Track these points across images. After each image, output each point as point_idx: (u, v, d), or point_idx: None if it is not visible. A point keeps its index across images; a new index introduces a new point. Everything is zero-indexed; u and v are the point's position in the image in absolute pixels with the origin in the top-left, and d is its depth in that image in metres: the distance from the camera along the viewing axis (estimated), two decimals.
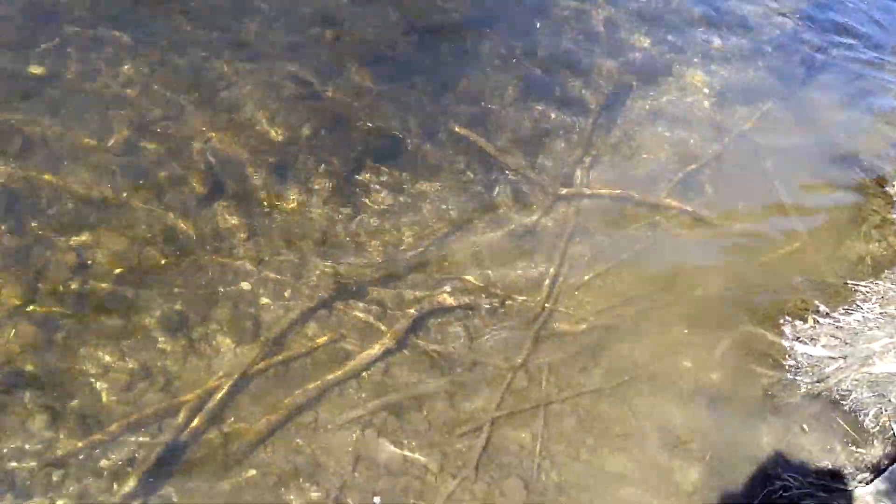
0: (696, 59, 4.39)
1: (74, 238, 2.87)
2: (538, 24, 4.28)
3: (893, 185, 3.98)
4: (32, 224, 2.84)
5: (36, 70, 3.20)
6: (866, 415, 2.94)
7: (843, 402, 2.99)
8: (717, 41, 4.55)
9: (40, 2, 3.42)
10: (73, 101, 3.18)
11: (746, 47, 4.56)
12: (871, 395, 2.95)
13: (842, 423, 2.94)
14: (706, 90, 4.27)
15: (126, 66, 3.34)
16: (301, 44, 3.74)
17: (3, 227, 2.81)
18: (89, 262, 2.82)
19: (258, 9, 3.76)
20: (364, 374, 2.81)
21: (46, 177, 2.96)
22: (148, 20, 3.52)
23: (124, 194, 3.04)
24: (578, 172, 3.72)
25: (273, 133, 3.38)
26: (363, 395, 2.74)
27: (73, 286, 2.76)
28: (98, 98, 3.23)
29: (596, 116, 3.96)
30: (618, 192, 3.69)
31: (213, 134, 3.31)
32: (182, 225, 3.03)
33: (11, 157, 2.98)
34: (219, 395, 2.62)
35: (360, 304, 3.00)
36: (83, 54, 3.32)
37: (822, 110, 4.35)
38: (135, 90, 3.30)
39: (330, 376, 2.74)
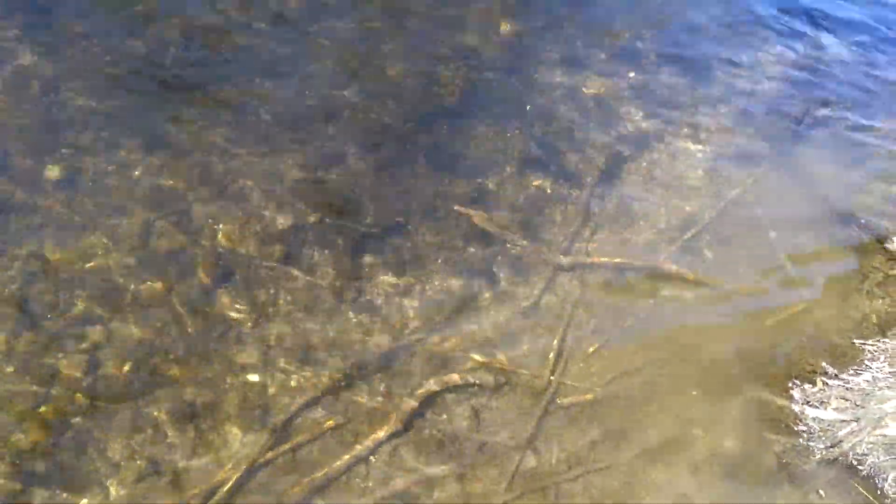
0: (686, 128, 4.52)
1: (86, 332, 2.95)
2: (530, 104, 4.44)
3: (893, 242, 4.01)
4: (45, 322, 2.93)
5: (52, 173, 3.36)
6: (885, 479, 2.88)
7: (860, 467, 2.93)
8: (706, 109, 4.69)
9: (57, 113, 3.62)
10: (87, 202, 3.33)
11: (735, 114, 4.69)
12: (888, 458, 2.90)
13: (861, 489, 2.88)
14: (699, 156, 4.38)
15: (138, 168, 3.50)
16: (305, 136, 3.90)
17: (17, 327, 2.89)
18: (100, 358, 2.89)
19: (263, 106, 3.94)
20: (371, 458, 2.81)
21: (60, 275, 3.07)
22: (158, 123, 3.70)
23: (133, 286, 3.13)
24: (578, 243, 3.80)
25: (279, 222, 3.49)
26: (370, 484, 2.73)
27: (85, 383, 2.82)
28: (111, 198, 3.37)
29: (592, 188, 4.06)
30: (618, 260, 3.74)
31: (222, 225, 3.43)
32: (191, 316, 3.11)
33: (27, 257, 3.09)
34: (226, 487, 2.63)
35: (366, 387, 3.03)
36: (97, 157, 3.49)
37: (815, 171, 4.43)
38: (145, 189, 3.44)
39: (337, 463, 2.75)
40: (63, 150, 3.49)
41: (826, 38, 5.60)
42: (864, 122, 4.79)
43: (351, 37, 4.48)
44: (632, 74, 4.79)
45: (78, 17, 4.00)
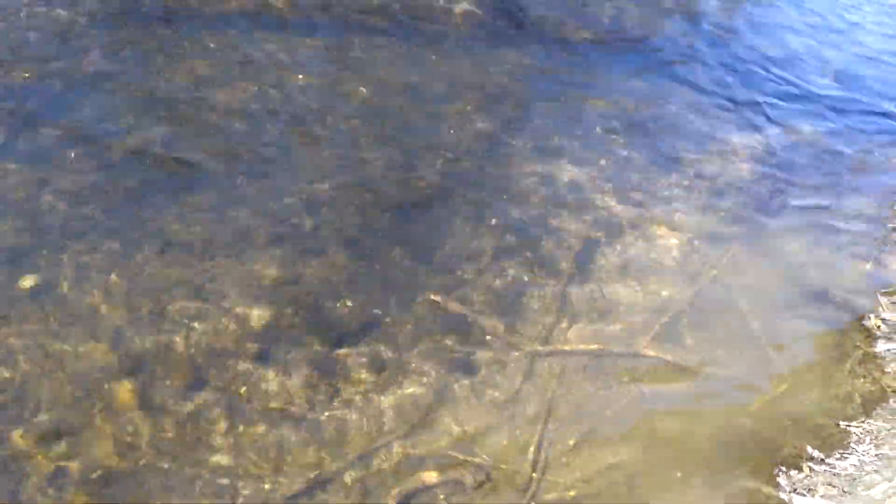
0: (659, 211, 4.61)
1: (54, 441, 2.89)
2: (505, 193, 4.54)
3: (870, 318, 4.03)
4: (13, 434, 2.87)
5: (26, 283, 3.38)
6: None
7: None
8: (677, 192, 4.80)
9: (37, 219, 3.67)
10: (61, 308, 3.33)
11: (706, 196, 4.80)
12: None
13: None
14: (673, 240, 4.45)
15: (115, 271, 3.53)
16: (283, 232, 3.96)
17: None
18: (68, 467, 2.82)
19: (243, 204, 4.02)
20: None
21: (30, 386, 3.04)
22: (137, 225, 3.76)
23: (105, 391, 3.10)
24: (556, 331, 3.80)
25: (254, 320, 3.50)
26: None
27: (50, 492, 2.75)
28: (85, 302, 3.39)
29: (568, 274, 4.10)
30: (596, 347, 3.73)
31: (197, 325, 3.43)
32: (163, 420, 3.06)
33: None
34: None
35: (342, 490, 2.96)
36: (74, 262, 3.52)
37: (787, 251, 4.49)
38: (122, 293, 3.46)
39: None
40: (41, 256, 3.53)
41: (792, 119, 5.80)
42: (832, 201, 4.90)
43: (329, 135, 4.62)
44: (603, 162, 4.93)
45: (62, 124, 4.13)
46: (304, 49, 5.12)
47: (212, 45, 4.93)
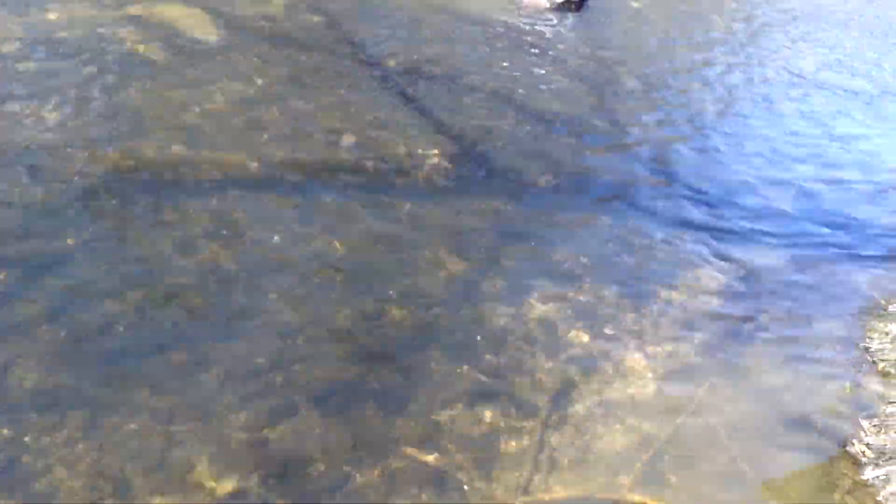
0: (632, 345, 4.63)
1: None
2: (478, 336, 4.58)
3: (855, 444, 3.94)
4: None
5: None
6: None
7: None
8: (649, 325, 4.85)
9: (5, 392, 3.66)
10: (24, 488, 3.24)
11: (678, 326, 4.85)
12: None
13: None
14: (649, 374, 4.44)
15: (80, 444, 3.47)
16: (253, 393, 3.93)
17: None
18: None
19: (212, 367, 4.02)
20: None
21: None
22: (104, 397, 3.74)
23: None
24: (535, 478, 3.69)
25: (220, 490, 3.39)
26: None
27: None
28: (46, 482, 3.29)
29: (545, 416, 4.05)
30: (578, 495, 3.62)
31: (160, 500, 3.31)
32: None
33: None
34: None
35: None
36: (38, 441, 3.46)
37: (764, 377, 4.48)
38: (83, 467, 3.38)
39: None
40: (5, 431, 3.48)
41: (758, 248, 5.98)
42: (803, 326, 4.95)
43: (300, 289, 4.72)
44: (574, 299, 5.01)
45: (34, 299, 4.21)
46: (277, 207, 5.34)
47: (185, 212, 5.12)
